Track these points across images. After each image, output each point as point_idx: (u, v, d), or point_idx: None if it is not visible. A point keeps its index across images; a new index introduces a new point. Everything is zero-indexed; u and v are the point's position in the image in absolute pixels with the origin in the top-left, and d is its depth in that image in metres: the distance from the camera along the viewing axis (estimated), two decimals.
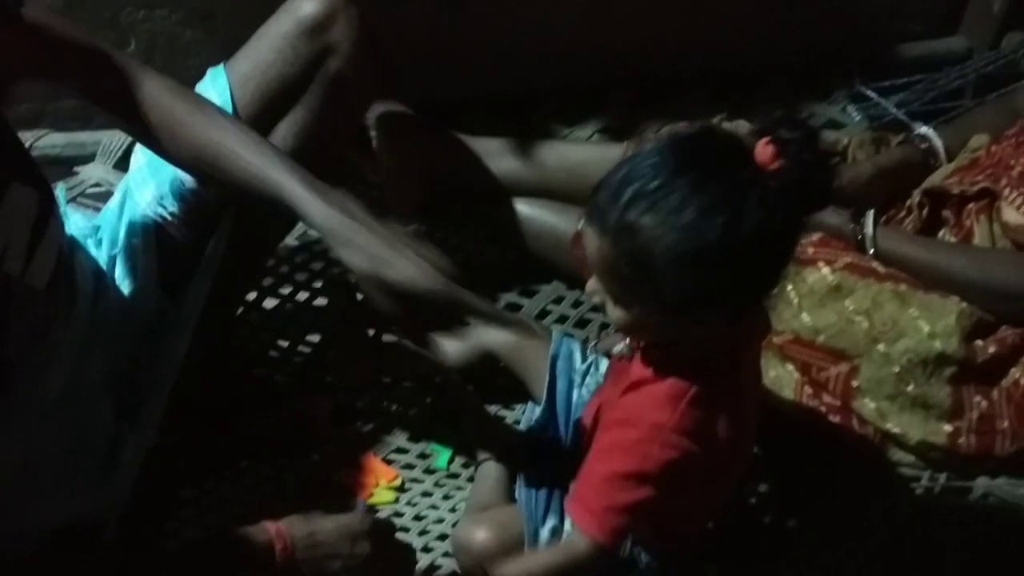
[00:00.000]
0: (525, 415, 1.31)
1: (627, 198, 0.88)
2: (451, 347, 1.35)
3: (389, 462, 1.34)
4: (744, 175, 0.86)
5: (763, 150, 0.85)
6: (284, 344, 1.48)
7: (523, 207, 1.55)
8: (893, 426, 1.29)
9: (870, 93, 1.86)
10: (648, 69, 1.81)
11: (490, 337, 1.35)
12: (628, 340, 1.08)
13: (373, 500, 1.29)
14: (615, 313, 0.95)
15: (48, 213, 1.04)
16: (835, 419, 1.32)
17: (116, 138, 1.60)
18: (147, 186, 1.25)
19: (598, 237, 0.91)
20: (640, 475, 0.99)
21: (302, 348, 1.48)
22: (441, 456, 1.35)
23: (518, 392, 1.35)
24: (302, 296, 1.53)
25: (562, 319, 1.53)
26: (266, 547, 1.02)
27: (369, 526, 1.08)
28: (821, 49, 1.91)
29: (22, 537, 1.02)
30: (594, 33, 1.78)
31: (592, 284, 0.96)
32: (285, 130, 1.24)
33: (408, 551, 1.13)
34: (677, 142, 0.90)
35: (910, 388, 1.27)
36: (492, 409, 1.39)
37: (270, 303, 1.51)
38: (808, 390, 1.33)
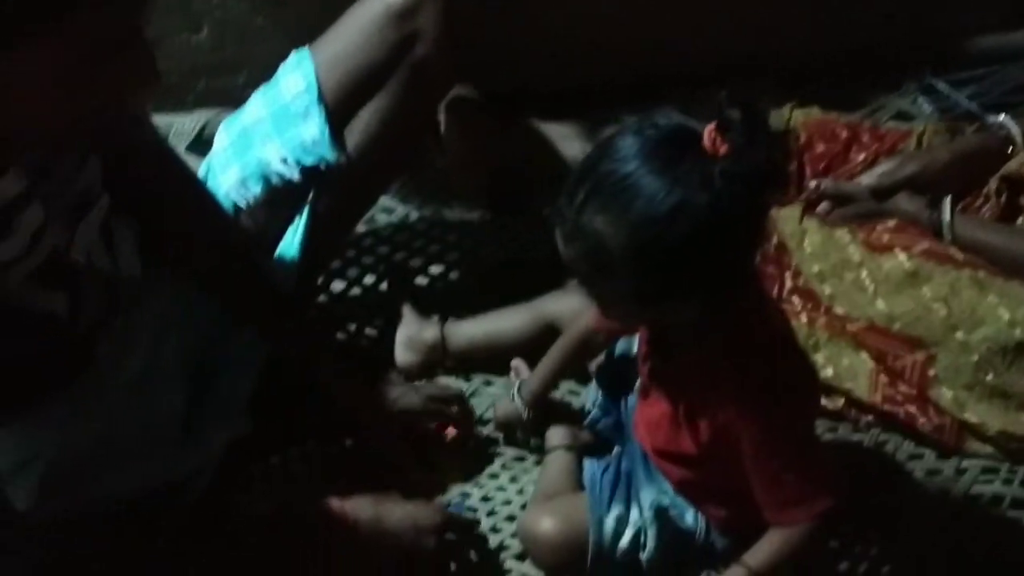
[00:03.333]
0: (590, 396, 1.30)
1: (580, 200, 0.88)
2: (511, 321, 1.36)
3: None
4: (688, 164, 0.85)
5: (709, 136, 0.85)
6: (352, 327, 1.49)
7: None
8: (971, 416, 1.26)
9: (941, 85, 1.83)
10: (713, 59, 1.80)
11: (551, 307, 1.34)
12: (643, 350, 1.07)
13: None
14: (600, 309, 0.97)
15: (111, 209, 1.06)
16: (911, 409, 1.29)
17: (189, 120, 1.63)
18: (230, 167, 1.27)
19: (561, 241, 0.92)
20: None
21: (369, 331, 1.48)
22: None
23: (586, 372, 1.33)
24: (369, 279, 1.54)
25: None
26: (329, 525, 1.02)
27: (438, 523, 1.07)
28: (891, 40, 1.89)
29: (101, 504, 1.03)
30: (651, 23, 1.77)
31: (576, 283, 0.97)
32: (369, 115, 1.27)
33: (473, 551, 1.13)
34: (625, 137, 0.89)
35: (989, 377, 1.24)
36: (562, 389, 1.38)
37: (338, 286, 1.52)
38: (883, 379, 1.30)
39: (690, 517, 1.11)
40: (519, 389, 1.28)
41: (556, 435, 1.27)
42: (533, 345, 1.36)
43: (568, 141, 1.57)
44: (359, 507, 1.05)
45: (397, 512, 1.06)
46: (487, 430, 1.35)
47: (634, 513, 1.12)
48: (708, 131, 0.84)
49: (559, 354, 1.26)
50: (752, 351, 0.96)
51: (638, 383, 1.14)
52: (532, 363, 1.31)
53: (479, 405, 1.38)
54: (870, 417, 1.32)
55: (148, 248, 1.13)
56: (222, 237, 1.19)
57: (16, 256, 0.91)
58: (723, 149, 0.84)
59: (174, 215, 1.16)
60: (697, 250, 0.86)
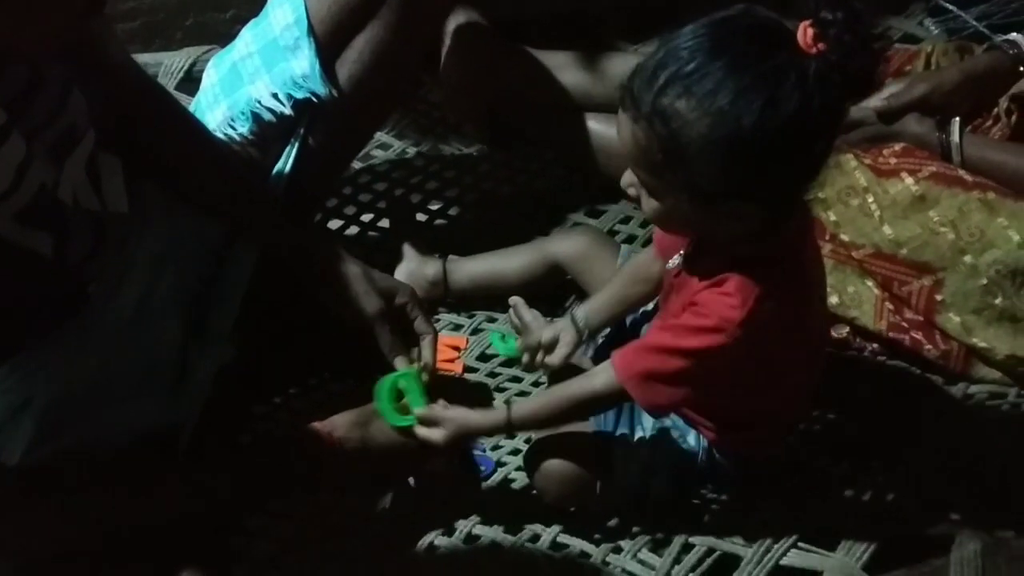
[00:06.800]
0: None
1: (661, 83, 0.86)
2: (515, 261, 1.35)
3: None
4: (782, 58, 0.83)
5: (804, 32, 0.83)
6: None
7: (594, 123, 1.52)
8: (979, 341, 1.25)
9: (949, 5, 1.79)
10: None
11: (556, 247, 1.33)
12: (680, 253, 1.05)
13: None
14: (649, 205, 0.94)
15: (97, 144, 1.05)
16: (917, 335, 1.28)
17: (177, 59, 1.59)
18: (218, 106, 1.26)
19: (632, 123, 0.89)
20: (690, 353, 0.96)
21: None
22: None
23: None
24: (366, 217, 1.52)
25: (630, 239, 1.50)
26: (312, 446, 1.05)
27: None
28: None
29: (96, 445, 1.03)
30: None
31: (627, 176, 0.95)
32: (362, 46, 1.24)
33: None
34: (714, 25, 0.87)
35: (998, 301, 1.23)
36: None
37: (335, 224, 1.50)
38: (889, 306, 1.29)
39: (692, 438, 1.12)
40: (575, 315, 1.19)
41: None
42: (536, 285, 1.35)
43: (568, 70, 1.53)
44: (341, 426, 1.06)
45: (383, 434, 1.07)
46: (490, 366, 1.34)
47: (638, 433, 1.12)
48: (803, 27, 0.82)
49: (620, 282, 1.19)
50: (755, 285, 0.94)
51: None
52: (533, 302, 1.29)
53: (482, 341, 1.37)
54: (875, 345, 1.32)
55: (138, 179, 1.11)
56: (217, 157, 1.18)
57: (2, 191, 0.90)
58: (816, 48, 0.82)
59: (166, 142, 1.14)
60: (775, 150, 0.85)
